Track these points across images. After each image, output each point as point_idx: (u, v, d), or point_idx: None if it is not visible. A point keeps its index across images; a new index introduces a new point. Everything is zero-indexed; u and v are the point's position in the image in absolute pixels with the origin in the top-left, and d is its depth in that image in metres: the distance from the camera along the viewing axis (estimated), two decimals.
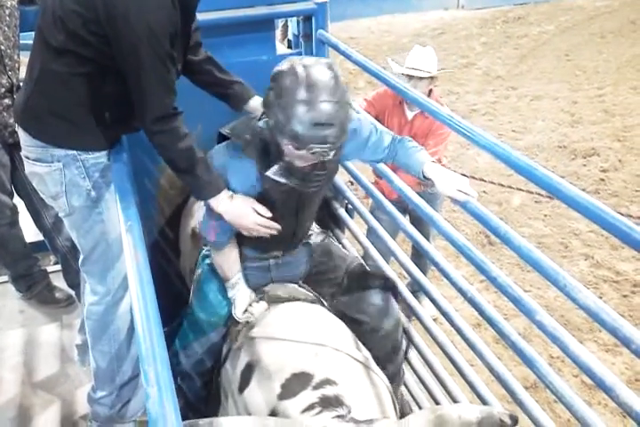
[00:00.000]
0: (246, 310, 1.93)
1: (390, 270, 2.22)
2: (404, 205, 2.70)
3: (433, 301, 1.92)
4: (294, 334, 1.74)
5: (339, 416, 1.44)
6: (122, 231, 1.56)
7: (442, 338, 1.89)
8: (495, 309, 3.41)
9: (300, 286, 2.09)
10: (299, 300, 1.99)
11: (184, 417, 1.05)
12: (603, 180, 5.13)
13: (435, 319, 2.04)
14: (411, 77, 2.99)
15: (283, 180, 1.73)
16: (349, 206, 2.57)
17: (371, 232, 2.97)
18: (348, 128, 1.62)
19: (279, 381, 1.60)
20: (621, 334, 1.22)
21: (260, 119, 1.76)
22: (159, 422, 0.99)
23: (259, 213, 1.79)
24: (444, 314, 1.85)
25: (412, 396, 2.19)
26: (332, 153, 1.61)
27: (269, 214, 1.80)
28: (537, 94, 6.98)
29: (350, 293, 2.05)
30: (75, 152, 1.78)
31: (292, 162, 1.68)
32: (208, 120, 2.05)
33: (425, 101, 2.03)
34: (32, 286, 2.94)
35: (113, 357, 2.07)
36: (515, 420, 1.39)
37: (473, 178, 2.99)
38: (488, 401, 1.68)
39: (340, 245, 2.35)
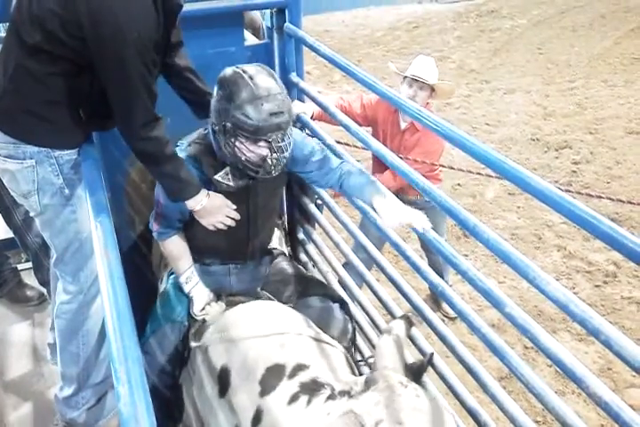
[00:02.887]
0: (203, 309, 1.99)
1: (371, 276, 2.23)
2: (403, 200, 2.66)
3: (404, 295, 1.93)
4: (257, 329, 1.78)
5: (329, 397, 1.49)
6: (92, 227, 1.53)
7: (414, 332, 1.90)
8: (470, 300, 3.50)
9: (257, 293, 2.15)
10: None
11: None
12: (575, 172, 5.20)
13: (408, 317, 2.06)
14: (411, 85, 2.96)
15: (231, 183, 1.91)
16: (319, 202, 2.57)
17: (362, 224, 2.99)
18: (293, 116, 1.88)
19: (256, 378, 1.62)
20: (590, 326, 1.23)
21: (205, 129, 1.95)
22: (131, 421, 0.97)
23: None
24: (416, 308, 1.87)
25: None
26: (285, 139, 1.80)
27: (234, 207, 1.95)
28: (510, 88, 7.04)
29: (297, 298, 2.13)
30: (48, 149, 1.75)
31: (248, 159, 1.81)
32: (177, 113, 2.03)
33: (398, 97, 2.02)
34: (2, 284, 2.89)
35: (81, 358, 2.05)
36: (409, 321, 1.75)
37: (451, 168, 2.98)
38: (460, 393, 1.70)
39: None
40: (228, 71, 1.81)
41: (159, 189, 1.93)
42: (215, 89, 1.83)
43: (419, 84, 2.91)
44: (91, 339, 2.05)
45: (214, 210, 1.91)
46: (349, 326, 2.11)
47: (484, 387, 1.60)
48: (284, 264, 2.26)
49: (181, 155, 1.88)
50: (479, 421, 1.65)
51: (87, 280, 1.97)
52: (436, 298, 3.59)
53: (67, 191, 1.82)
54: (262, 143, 1.78)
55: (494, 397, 1.57)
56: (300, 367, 1.61)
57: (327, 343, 1.79)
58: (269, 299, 2.10)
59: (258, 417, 1.55)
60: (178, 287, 2.06)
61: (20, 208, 2.61)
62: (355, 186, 1.98)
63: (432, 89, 2.95)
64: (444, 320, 3.46)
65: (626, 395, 3.02)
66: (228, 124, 1.77)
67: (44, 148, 1.75)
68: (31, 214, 1.90)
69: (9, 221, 2.74)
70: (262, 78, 1.77)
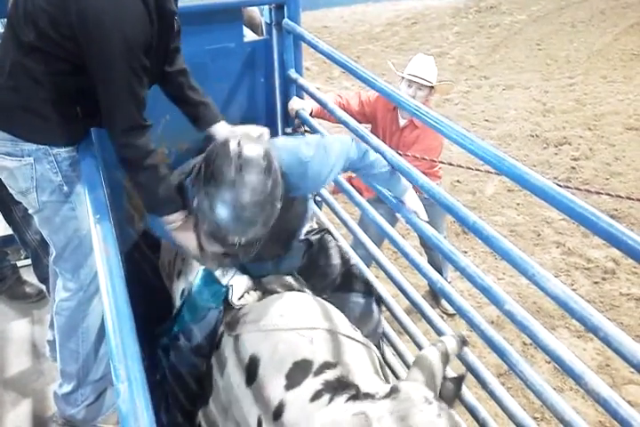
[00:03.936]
0: (242, 297, 1.92)
1: (370, 273, 2.22)
2: None
3: (403, 291, 1.93)
4: (289, 322, 1.75)
5: (352, 397, 1.46)
6: (91, 224, 1.53)
7: (412, 328, 1.90)
8: (469, 297, 3.49)
9: (294, 277, 2.09)
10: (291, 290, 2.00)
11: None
12: (574, 168, 5.20)
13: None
14: (410, 85, 2.95)
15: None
16: (318, 198, 2.57)
17: (361, 220, 2.98)
18: (270, 224, 1.58)
19: (283, 371, 1.61)
20: (589, 322, 1.24)
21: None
22: (130, 418, 0.97)
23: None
24: (415, 305, 1.87)
25: None
26: (244, 248, 1.57)
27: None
28: (509, 84, 7.03)
29: (336, 291, 2.07)
30: (46, 146, 1.74)
31: (204, 247, 1.66)
32: (176, 111, 2.02)
33: (397, 94, 2.02)
34: (2, 281, 2.88)
35: (81, 355, 2.05)
36: (464, 340, 1.65)
37: (450, 165, 2.97)
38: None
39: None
40: (222, 144, 1.58)
41: None
42: (202, 158, 1.62)
43: (418, 84, 2.90)
44: (90, 336, 2.05)
45: (189, 240, 1.76)
46: (382, 323, 2.09)
47: (482, 383, 1.61)
48: (332, 251, 2.18)
49: None
50: (478, 417, 1.66)
51: (87, 277, 1.97)
52: (435, 295, 3.59)
53: (65, 188, 1.82)
54: (217, 247, 1.59)
55: (493, 393, 1.58)
56: (327, 365, 1.59)
57: (358, 342, 1.76)
58: (302, 289, 2.04)
59: (280, 410, 1.55)
60: (209, 277, 2.01)
61: (19, 205, 2.59)
62: (378, 177, 1.95)
63: (431, 88, 2.95)
64: (442, 317, 3.46)
65: (624, 391, 3.03)
66: (194, 203, 1.58)
67: (42, 145, 1.74)
68: (30, 212, 1.90)
69: (8, 218, 2.74)
70: (252, 171, 1.51)
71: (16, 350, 2.60)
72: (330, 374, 1.56)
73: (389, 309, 2.04)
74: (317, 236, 2.20)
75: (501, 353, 1.51)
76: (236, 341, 1.82)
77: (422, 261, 1.86)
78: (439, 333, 1.76)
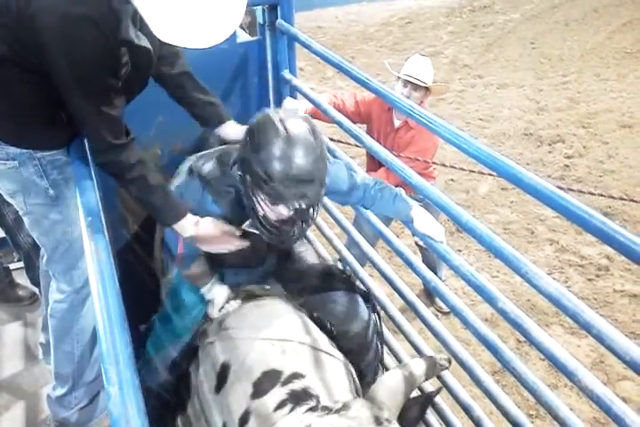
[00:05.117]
0: (222, 308, 1.93)
1: (364, 272, 2.22)
2: None
3: (397, 290, 1.93)
4: (263, 332, 1.76)
5: (310, 409, 1.48)
6: (82, 227, 1.52)
7: (407, 327, 1.90)
8: (463, 295, 3.50)
9: (271, 284, 2.10)
10: (270, 295, 2.01)
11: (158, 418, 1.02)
12: (567, 166, 5.21)
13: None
14: (406, 85, 2.94)
15: (258, 232, 1.70)
16: None
17: (356, 220, 2.98)
18: (327, 183, 1.60)
19: (251, 380, 1.62)
20: (582, 320, 1.24)
21: (233, 166, 1.72)
22: (121, 422, 0.96)
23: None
24: (409, 303, 1.87)
25: None
26: (311, 211, 1.58)
27: (239, 233, 1.77)
28: (503, 82, 7.04)
29: (316, 292, 2.05)
30: (30, 150, 1.73)
31: (267, 216, 1.63)
32: (168, 112, 2.02)
33: (391, 94, 2.02)
34: None
35: (75, 357, 2.04)
36: (449, 361, 1.66)
37: (443, 166, 2.98)
38: (453, 388, 1.71)
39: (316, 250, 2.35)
40: (262, 115, 1.58)
41: None
42: (245, 133, 1.61)
43: (413, 84, 2.90)
44: (84, 337, 2.04)
45: (211, 239, 1.75)
46: (372, 320, 2.05)
47: (477, 381, 1.61)
48: (305, 251, 2.17)
49: (196, 195, 1.74)
50: (472, 415, 1.66)
51: (79, 279, 1.96)
52: (430, 293, 3.59)
53: (51, 192, 1.80)
54: (282, 207, 1.56)
55: (487, 391, 1.58)
56: (295, 376, 1.60)
57: (330, 355, 1.76)
58: (280, 294, 2.04)
59: (245, 418, 1.56)
60: (191, 287, 2.01)
61: (11, 207, 2.59)
62: (383, 201, 1.85)
63: (427, 89, 2.95)
64: (437, 315, 3.47)
65: (618, 388, 3.04)
66: (248, 177, 1.57)
67: (25, 149, 1.72)
68: (20, 213, 1.89)
69: (0, 220, 2.72)
70: (299, 133, 1.50)
71: (9, 353, 2.58)
72: (297, 384, 1.57)
73: (384, 308, 2.04)
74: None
75: (495, 351, 1.52)
76: (210, 348, 1.83)
77: (416, 260, 1.86)
78: (434, 331, 1.76)
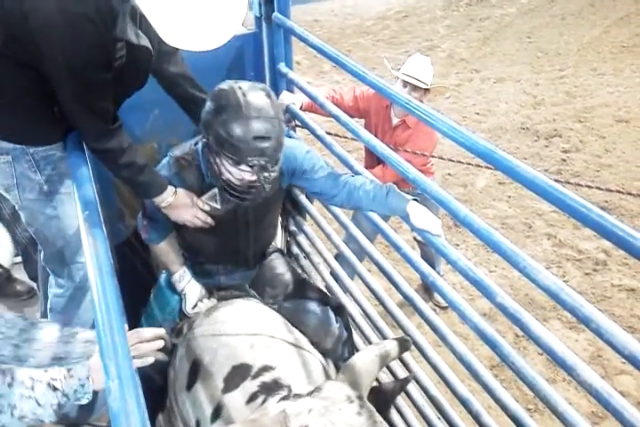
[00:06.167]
0: (196, 305, 1.99)
1: (362, 267, 2.22)
2: None
3: (396, 285, 1.93)
4: (232, 329, 1.80)
5: (283, 398, 1.50)
6: (80, 221, 1.52)
7: (405, 322, 1.90)
8: (461, 290, 3.50)
9: (246, 287, 2.16)
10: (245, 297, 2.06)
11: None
12: (564, 160, 5.22)
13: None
14: (405, 85, 2.93)
15: (216, 205, 1.87)
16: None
17: (354, 215, 2.97)
18: (284, 143, 1.73)
19: (222, 375, 1.65)
20: (581, 314, 1.24)
21: (196, 143, 1.88)
22: (121, 416, 0.97)
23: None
24: (407, 298, 1.87)
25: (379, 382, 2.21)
26: (270, 168, 1.70)
27: (207, 208, 1.90)
28: (500, 77, 7.03)
29: (291, 299, 2.10)
30: (23, 146, 1.73)
31: (229, 181, 1.74)
32: (165, 106, 2.01)
33: (388, 88, 2.01)
34: None
35: None
36: (410, 342, 1.72)
37: (441, 159, 2.97)
38: (451, 382, 1.71)
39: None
40: (223, 84, 1.73)
41: None
42: (208, 100, 1.75)
43: (412, 85, 2.89)
44: None
45: (181, 208, 1.88)
46: (344, 335, 2.10)
47: (475, 376, 1.61)
48: (277, 262, 2.24)
49: (164, 173, 1.87)
50: (471, 410, 1.66)
51: (78, 274, 1.96)
52: (428, 288, 3.59)
53: (46, 188, 1.81)
54: (244, 167, 1.69)
55: (486, 385, 1.58)
56: (265, 368, 1.63)
57: (301, 348, 1.80)
58: (255, 297, 2.10)
59: (217, 412, 1.59)
60: (170, 283, 2.06)
61: (8, 202, 2.58)
62: (374, 199, 1.85)
63: (426, 89, 2.94)
64: (435, 310, 3.47)
65: (616, 382, 3.05)
66: (211, 139, 1.70)
67: (18, 144, 1.72)
68: (16, 207, 1.89)
69: None
70: (256, 97, 1.67)
71: None
72: (267, 377, 1.60)
73: (382, 303, 2.04)
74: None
75: (494, 345, 1.52)
76: (182, 346, 1.87)
77: (414, 254, 1.86)
78: (432, 326, 1.76)
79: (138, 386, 1.04)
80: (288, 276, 2.19)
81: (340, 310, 2.15)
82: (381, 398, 1.58)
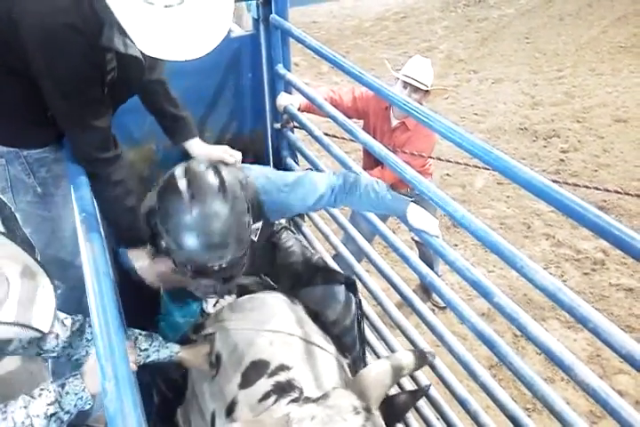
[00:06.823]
0: (217, 302, 1.98)
1: (360, 268, 2.22)
2: None
3: (394, 285, 1.93)
4: (253, 324, 1.80)
5: (293, 400, 1.50)
6: (76, 223, 1.52)
7: (403, 322, 1.90)
8: (460, 290, 3.50)
9: (260, 278, 2.12)
10: (263, 290, 2.04)
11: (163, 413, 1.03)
12: (563, 160, 5.22)
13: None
14: (405, 87, 2.93)
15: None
16: None
17: (352, 216, 2.97)
18: (247, 237, 1.53)
19: (240, 370, 1.66)
20: (579, 314, 1.24)
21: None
22: (117, 417, 0.97)
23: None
24: (406, 298, 1.87)
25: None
26: (231, 269, 1.52)
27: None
28: (498, 77, 7.03)
29: (313, 285, 2.06)
30: (16, 149, 1.72)
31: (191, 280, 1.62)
32: None
33: (386, 88, 2.01)
34: None
35: None
36: (432, 355, 1.66)
37: (439, 159, 2.97)
38: (450, 382, 1.71)
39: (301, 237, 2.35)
40: (167, 182, 1.51)
41: None
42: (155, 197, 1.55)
43: (413, 86, 2.89)
44: None
45: (153, 276, 1.79)
46: (352, 307, 2.06)
47: (473, 376, 1.61)
48: (290, 250, 2.18)
49: None
50: (469, 409, 1.66)
51: (75, 276, 1.95)
52: (426, 288, 3.59)
53: (39, 190, 1.81)
54: (205, 279, 1.55)
55: (484, 385, 1.59)
56: (282, 367, 1.63)
57: (320, 348, 1.78)
58: (273, 287, 2.09)
59: (232, 407, 1.59)
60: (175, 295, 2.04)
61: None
62: (374, 199, 1.82)
63: (426, 91, 2.94)
64: (433, 310, 3.47)
65: (614, 381, 3.05)
66: (162, 244, 1.52)
67: (11, 147, 1.72)
68: (12, 209, 1.89)
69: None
70: (208, 198, 1.44)
71: None
72: (282, 376, 1.59)
73: (380, 303, 2.04)
74: (278, 235, 2.21)
75: (492, 345, 1.52)
76: (208, 339, 1.86)
77: (412, 255, 1.86)
78: (430, 326, 1.76)
79: (134, 387, 1.04)
80: (301, 260, 2.14)
81: (353, 287, 2.10)
82: (391, 412, 1.52)
